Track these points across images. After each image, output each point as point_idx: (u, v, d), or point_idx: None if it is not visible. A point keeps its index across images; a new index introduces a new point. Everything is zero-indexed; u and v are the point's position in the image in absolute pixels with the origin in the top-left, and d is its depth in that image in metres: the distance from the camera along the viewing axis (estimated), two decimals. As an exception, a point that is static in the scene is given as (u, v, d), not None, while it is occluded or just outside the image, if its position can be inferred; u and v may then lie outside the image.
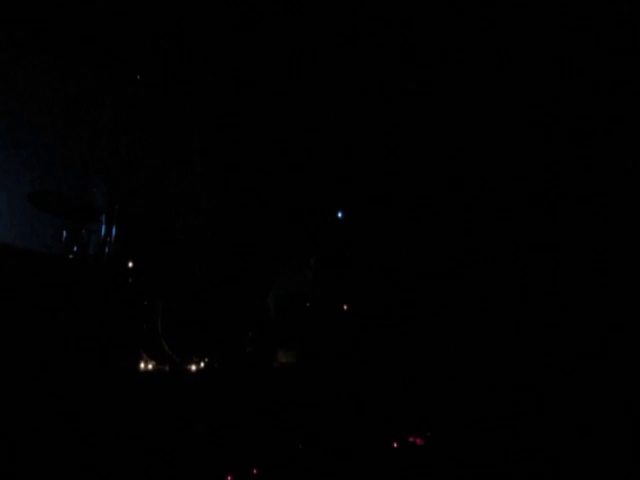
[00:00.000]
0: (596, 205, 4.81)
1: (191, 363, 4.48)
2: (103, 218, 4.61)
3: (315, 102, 5.33)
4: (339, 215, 5.30)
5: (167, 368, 4.45)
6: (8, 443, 3.29)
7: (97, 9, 4.92)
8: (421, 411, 4.46)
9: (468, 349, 4.90)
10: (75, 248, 4.54)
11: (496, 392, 4.57)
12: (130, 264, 4.56)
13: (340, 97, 5.28)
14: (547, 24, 4.86)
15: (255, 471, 3.75)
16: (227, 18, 5.15)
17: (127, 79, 5.00)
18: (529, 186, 4.99)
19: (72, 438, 3.47)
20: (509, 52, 5.00)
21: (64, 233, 4.55)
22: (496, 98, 5.08)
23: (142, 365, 4.42)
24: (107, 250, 4.57)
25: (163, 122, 5.16)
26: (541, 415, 4.34)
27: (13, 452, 3.27)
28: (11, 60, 4.85)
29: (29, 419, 3.46)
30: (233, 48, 5.25)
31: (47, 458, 3.34)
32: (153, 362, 4.48)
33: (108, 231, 4.60)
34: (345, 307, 5.05)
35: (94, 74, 5.01)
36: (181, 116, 5.25)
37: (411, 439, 4.21)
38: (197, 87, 5.25)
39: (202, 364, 4.51)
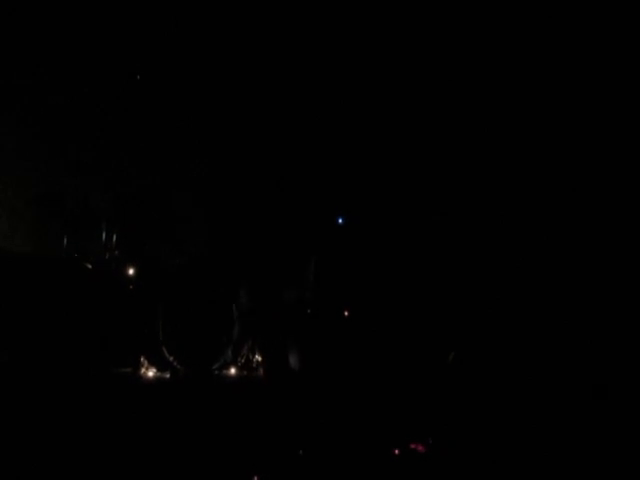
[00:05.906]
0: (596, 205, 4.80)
1: (192, 370, 4.47)
2: (104, 224, 4.62)
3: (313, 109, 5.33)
4: (339, 221, 5.30)
5: (168, 375, 4.46)
6: (8, 449, 3.29)
7: (97, 9, 4.93)
8: (423, 417, 4.45)
9: (470, 355, 4.88)
10: (76, 254, 4.55)
11: (499, 399, 4.55)
12: (131, 270, 4.57)
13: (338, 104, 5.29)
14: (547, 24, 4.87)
15: (256, 478, 3.74)
16: (227, 19, 5.17)
17: (127, 80, 5.01)
18: (530, 198, 4.98)
19: (72, 444, 3.47)
20: (509, 52, 5.00)
21: (64, 239, 4.56)
22: (496, 105, 5.08)
23: (142, 371, 4.43)
24: (108, 256, 4.58)
25: (165, 125, 5.18)
26: (546, 422, 4.31)
27: (13, 458, 3.27)
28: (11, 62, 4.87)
29: (29, 424, 3.46)
30: (233, 50, 5.26)
31: (47, 464, 3.33)
32: (154, 369, 4.48)
33: (109, 237, 4.61)
34: (346, 313, 5.05)
35: (94, 76, 5.03)
36: (183, 119, 5.26)
37: (412, 446, 4.19)
38: (198, 90, 5.25)
39: (203, 371, 4.51)
